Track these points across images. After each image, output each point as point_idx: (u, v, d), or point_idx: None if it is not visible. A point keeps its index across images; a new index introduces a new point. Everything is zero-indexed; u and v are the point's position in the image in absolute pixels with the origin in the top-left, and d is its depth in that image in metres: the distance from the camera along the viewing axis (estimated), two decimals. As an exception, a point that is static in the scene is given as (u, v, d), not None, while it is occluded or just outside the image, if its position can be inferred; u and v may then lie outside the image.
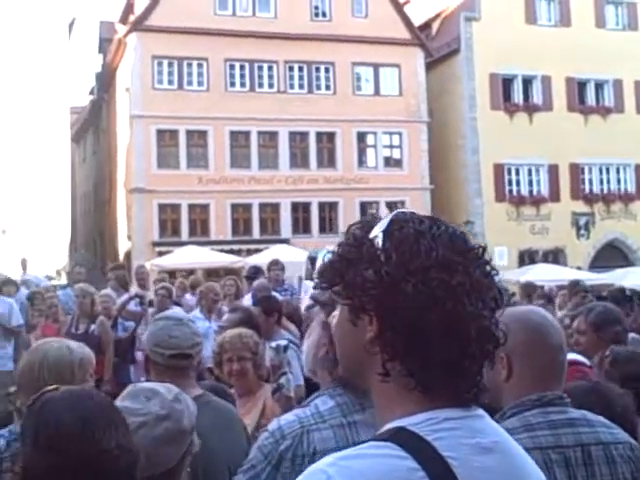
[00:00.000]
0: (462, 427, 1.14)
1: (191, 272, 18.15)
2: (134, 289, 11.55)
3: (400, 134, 32.05)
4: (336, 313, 1.27)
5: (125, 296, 10.55)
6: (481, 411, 1.20)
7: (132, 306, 9.84)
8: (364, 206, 31.48)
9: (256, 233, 30.24)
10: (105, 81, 37.17)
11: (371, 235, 1.19)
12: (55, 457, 1.59)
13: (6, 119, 28.73)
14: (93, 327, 8.70)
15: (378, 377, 1.17)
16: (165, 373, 2.79)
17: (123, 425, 1.72)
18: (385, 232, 1.18)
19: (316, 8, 31.67)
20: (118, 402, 2.06)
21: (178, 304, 10.11)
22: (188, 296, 11.72)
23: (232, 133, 30.36)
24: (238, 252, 27.22)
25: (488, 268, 1.21)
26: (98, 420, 1.67)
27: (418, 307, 1.12)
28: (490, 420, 1.22)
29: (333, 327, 1.28)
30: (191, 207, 29.73)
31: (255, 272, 11.47)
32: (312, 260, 14.78)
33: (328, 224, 31.14)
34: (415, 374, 1.14)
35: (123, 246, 31.33)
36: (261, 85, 30.99)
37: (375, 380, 1.19)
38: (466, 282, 1.14)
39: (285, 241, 28.23)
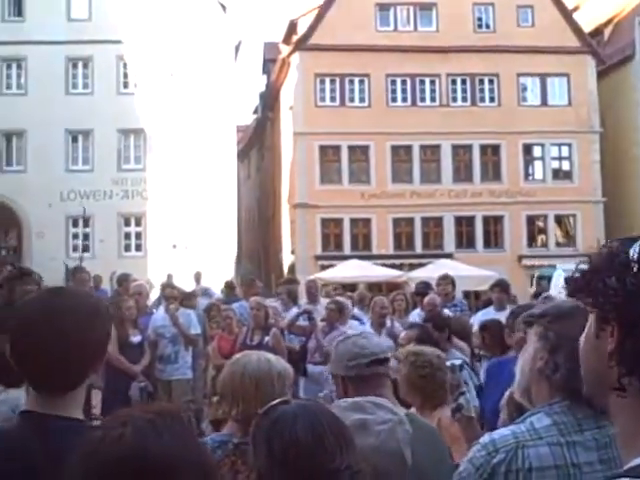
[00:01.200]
0: None
1: (343, 286, 18.09)
2: (303, 303, 11.60)
3: (570, 145, 30.83)
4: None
5: (294, 311, 10.60)
6: None
7: (301, 321, 9.86)
8: (531, 220, 30.53)
9: (419, 247, 30.02)
10: (269, 100, 38.35)
11: (631, 250, 1.13)
12: (289, 469, 1.61)
13: (177, 138, 30.17)
14: (267, 339, 8.77)
15: (615, 393, 1.10)
16: (365, 387, 2.72)
17: (352, 445, 1.70)
18: None
19: (479, 20, 31.15)
20: (347, 416, 2.06)
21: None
22: (355, 310, 11.64)
23: (394, 148, 30.37)
24: (400, 267, 27.07)
25: None
26: (329, 436, 1.66)
27: None
28: None
29: (581, 342, 1.25)
30: (353, 222, 29.96)
31: (425, 287, 11.24)
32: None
33: (493, 238, 30.42)
34: None
35: (287, 260, 32.03)
36: (423, 99, 30.81)
37: (616, 400, 1.12)
38: None
39: (448, 256, 27.79)
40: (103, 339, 1.79)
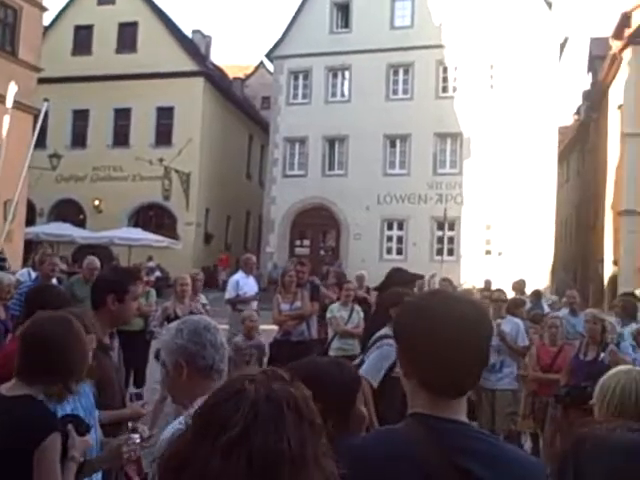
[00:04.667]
0: None
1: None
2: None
3: None
4: None
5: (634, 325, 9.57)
6: None
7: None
8: None
9: None
10: (594, 99, 36.14)
11: None
12: None
13: (495, 140, 29.58)
14: (603, 355, 7.95)
15: None
16: None
17: None
18: None
19: None
20: None
21: None
22: None
23: None
24: None
25: None
26: None
27: None
28: None
29: None
30: (689, 231, 27.00)
31: None
32: None
33: None
34: None
35: (608, 270, 29.78)
36: None
37: None
38: None
39: None
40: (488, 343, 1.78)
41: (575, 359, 8.12)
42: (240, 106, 39.21)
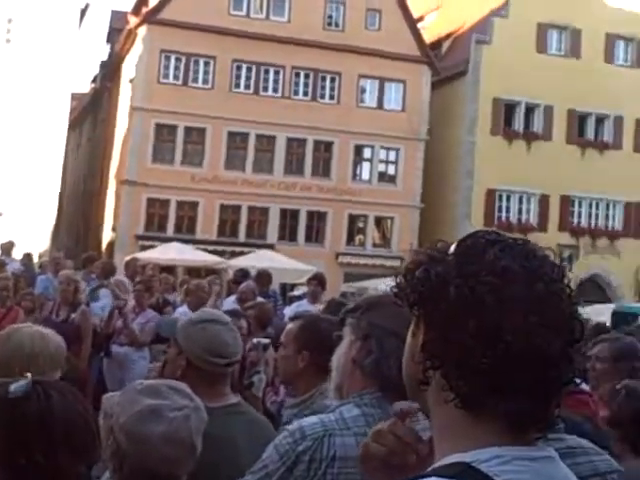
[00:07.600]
0: (529, 470, 1.02)
1: (167, 268, 17.66)
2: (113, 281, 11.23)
3: (397, 150, 31.79)
4: None
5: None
6: (552, 452, 1.08)
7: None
8: (353, 219, 31.38)
9: (242, 236, 29.95)
10: (110, 70, 36.88)
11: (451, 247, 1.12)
12: None
13: (7, 99, 28.46)
14: (73, 316, 8.42)
15: (440, 399, 1.07)
16: (205, 379, 2.66)
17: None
18: (459, 240, 1.11)
19: (330, 17, 31.53)
20: (140, 401, 1.97)
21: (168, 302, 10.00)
22: (176, 295, 11.46)
23: (230, 134, 30.13)
24: (222, 253, 26.56)
25: (559, 286, 1.07)
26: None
27: (456, 312, 1.03)
28: (562, 464, 1.09)
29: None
30: (180, 204, 29.43)
31: (243, 275, 11.34)
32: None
33: (315, 234, 30.98)
34: (453, 386, 1.04)
35: (107, 236, 30.99)
36: (266, 89, 30.80)
37: (435, 401, 1.09)
38: (525, 295, 1.03)
39: (270, 246, 28.02)
40: None
41: (47, 319, 8.45)
42: None
